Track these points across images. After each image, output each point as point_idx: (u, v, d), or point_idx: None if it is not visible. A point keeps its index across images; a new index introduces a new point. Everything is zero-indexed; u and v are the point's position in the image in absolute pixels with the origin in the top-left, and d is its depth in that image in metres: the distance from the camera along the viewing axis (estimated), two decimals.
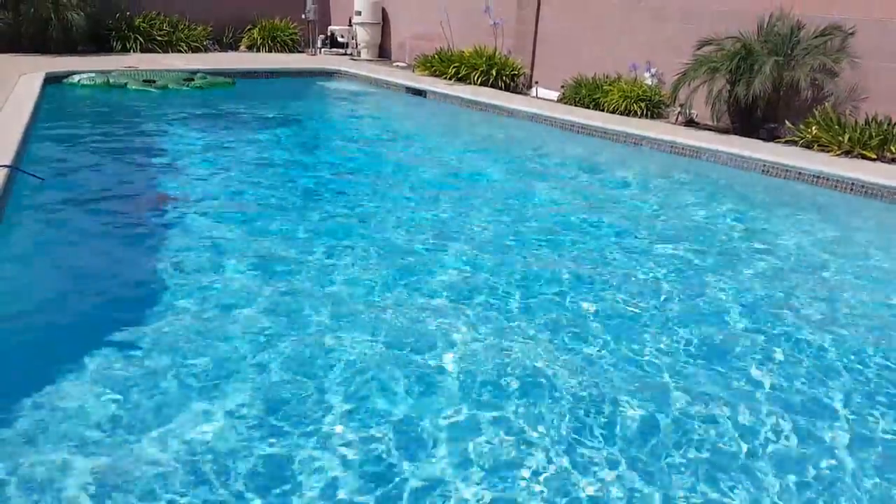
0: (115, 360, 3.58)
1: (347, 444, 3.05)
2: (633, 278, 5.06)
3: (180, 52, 14.15)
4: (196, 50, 14.45)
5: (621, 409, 3.44)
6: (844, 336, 4.38)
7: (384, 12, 15.71)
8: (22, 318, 4.04)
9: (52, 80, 10.21)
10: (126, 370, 3.50)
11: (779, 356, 4.08)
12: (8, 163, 5.73)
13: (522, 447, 3.11)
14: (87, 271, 4.77)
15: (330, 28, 16.13)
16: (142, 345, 3.74)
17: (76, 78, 10.53)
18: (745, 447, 3.22)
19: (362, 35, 15.55)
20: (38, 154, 6.91)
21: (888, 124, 8.39)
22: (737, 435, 3.30)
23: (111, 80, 10.62)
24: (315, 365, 3.68)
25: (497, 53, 12.88)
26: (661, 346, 4.10)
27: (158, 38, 14.08)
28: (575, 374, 3.71)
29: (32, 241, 5.13)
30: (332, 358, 3.74)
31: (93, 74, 10.61)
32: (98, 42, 13.60)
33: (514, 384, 3.59)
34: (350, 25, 15.75)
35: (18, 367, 3.57)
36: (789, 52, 8.87)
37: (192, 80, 11.18)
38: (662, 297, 4.78)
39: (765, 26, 9.23)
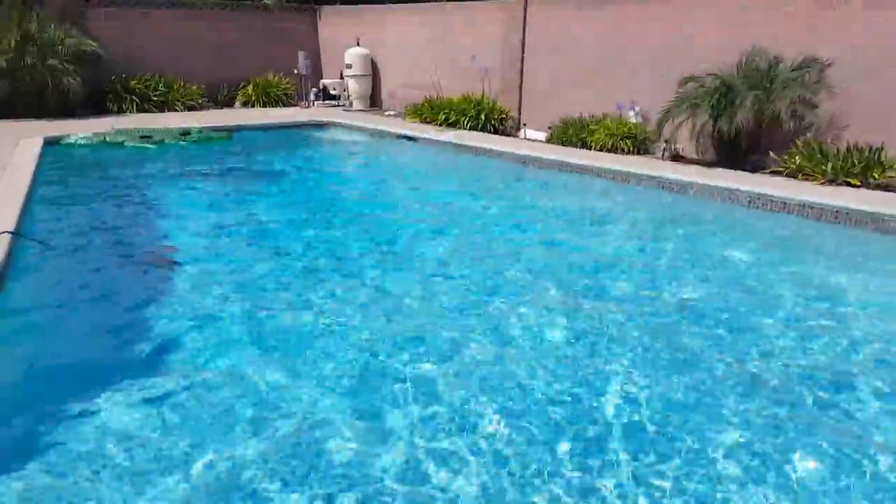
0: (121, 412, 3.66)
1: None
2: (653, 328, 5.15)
3: (176, 111, 14.47)
4: (192, 108, 14.78)
5: None
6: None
7: (374, 64, 16.10)
8: (20, 382, 4.13)
9: (50, 144, 10.43)
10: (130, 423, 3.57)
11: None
12: (10, 228, 5.86)
13: None
14: (90, 334, 4.85)
15: (322, 81, 16.51)
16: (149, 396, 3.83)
17: (73, 138, 10.76)
18: None
19: (354, 87, 15.91)
20: (39, 217, 7.06)
21: (869, 151, 8.57)
22: None
23: (108, 138, 10.86)
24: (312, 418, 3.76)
25: (485, 99, 13.18)
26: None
27: (154, 99, 14.40)
28: None
29: (34, 307, 5.20)
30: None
31: (90, 134, 10.86)
32: (94, 105, 13.91)
33: None
34: (341, 78, 16.13)
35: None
36: (768, 85, 9.11)
37: (189, 133, 11.42)
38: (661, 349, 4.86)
39: (743, 62, 9.50)
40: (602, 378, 4.19)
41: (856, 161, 8.48)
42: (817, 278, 6.01)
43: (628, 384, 4.11)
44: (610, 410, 3.84)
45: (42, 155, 9.25)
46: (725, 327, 4.94)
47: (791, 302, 5.43)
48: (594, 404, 3.91)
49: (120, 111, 13.99)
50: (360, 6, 17.17)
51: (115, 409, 3.77)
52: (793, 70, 9.12)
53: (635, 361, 4.40)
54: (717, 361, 4.44)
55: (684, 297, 5.51)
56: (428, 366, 4.30)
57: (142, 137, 10.99)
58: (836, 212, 7.45)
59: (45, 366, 4.36)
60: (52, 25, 13.26)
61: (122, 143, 10.83)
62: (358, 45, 15.95)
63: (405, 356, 4.42)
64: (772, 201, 7.91)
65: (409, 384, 4.07)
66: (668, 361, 4.42)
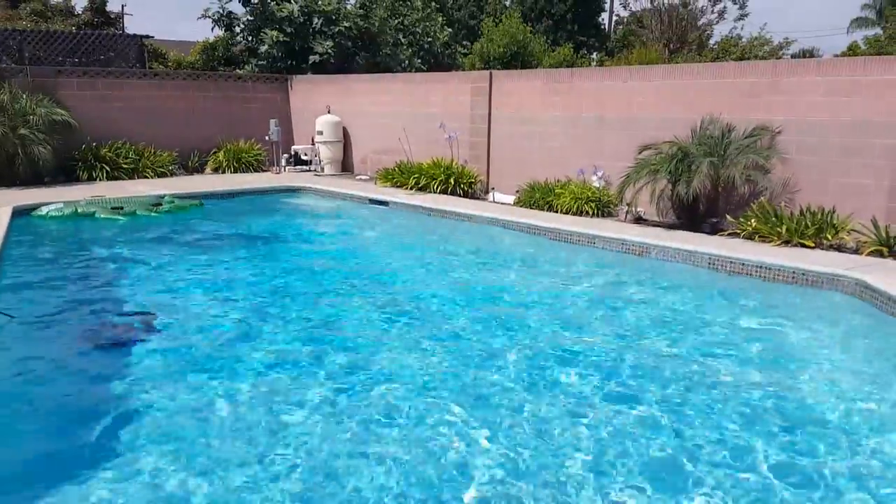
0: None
1: None
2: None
3: (147, 177, 14.56)
4: (162, 175, 14.88)
5: None
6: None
7: (345, 130, 16.44)
8: None
9: (19, 213, 10.42)
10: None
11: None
12: None
13: None
14: (56, 407, 4.83)
15: (293, 147, 16.78)
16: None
17: (44, 210, 10.74)
18: None
19: (325, 152, 16.19)
20: (6, 289, 7.04)
21: (822, 214, 8.96)
22: None
23: (79, 209, 10.86)
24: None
25: (454, 164, 13.51)
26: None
27: (125, 166, 14.49)
28: None
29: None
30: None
31: (61, 205, 10.84)
32: (65, 172, 13.94)
33: None
34: (313, 144, 16.41)
35: None
36: (722, 152, 9.53)
37: (160, 204, 11.47)
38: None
39: (698, 130, 9.95)
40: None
41: (809, 223, 8.85)
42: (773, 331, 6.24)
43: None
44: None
45: (10, 227, 9.20)
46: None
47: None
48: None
49: (90, 179, 14.03)
50: (331, 76, 17.64)
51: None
52: (745, 137, 9.57)
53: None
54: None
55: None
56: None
57: (113, 209, 11.01)
58: (793, 272, 7.75)
59: None
60: (25, 95, 13.41)
61: (93, 214, 10.83)
62: (329, 112, 16.31)
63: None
64: (731, 262, 8.19)
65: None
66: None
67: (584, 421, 4.55)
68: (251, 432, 4.33)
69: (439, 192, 13.06)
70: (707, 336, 6.25)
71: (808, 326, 6.59)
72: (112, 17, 31.46)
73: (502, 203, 12.41)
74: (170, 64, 21.39)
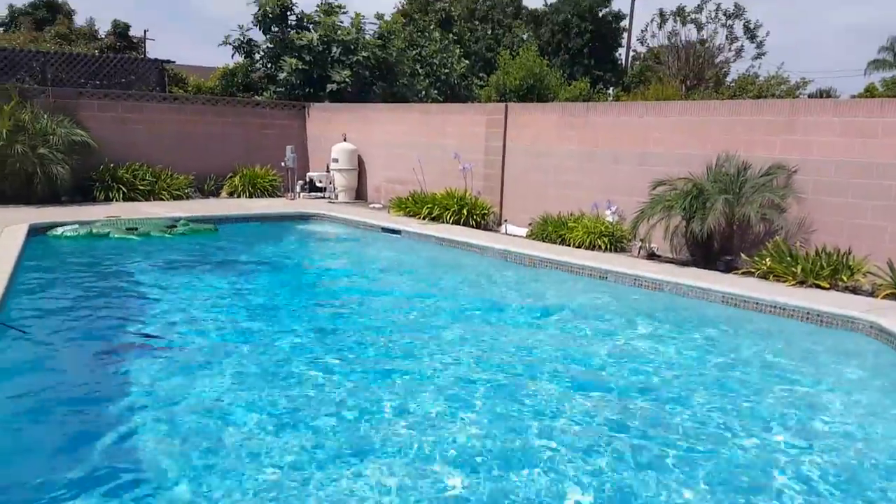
0: None
1: None
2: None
3: (162, 199, 14.67)
4: (178, 198, 14.99)
5: None
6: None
7: (360, 159, 16.54)
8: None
9: (35, 232, 10.50)
10: None
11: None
12: None
13: None
14: (70, 427, 4.82)
15: (308, 174, 16.89)
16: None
17: (59, 230, 10.82)
18: None
19: (339, 180, 16.28)
20: (21, 306, 7.07)
21: (837, 255, 8.87)
22: None
23: (94, 230, 10.94)
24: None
25: (467, 194, 13.53)
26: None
27: (141, 188, 14.60)
28: None
29: (12, 396, 5.17)
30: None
31: (76, 226, 10.92)
32: (82, 192, 14.07)
33: None
34: (328, 171, 16.51)
35: None
36: (738, 189, 9.49)
37: (175, 226, 11.53)
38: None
39: (713, 167, 9.92)
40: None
41: (824, 264, 8.76)
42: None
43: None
44: None
45: (26, 248, 9.24)
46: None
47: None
48: None
49: (107, 199, 14.15)
50: (348, 104, 17.81)
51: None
52: (761, 175, 9.54)
53: None
54: None
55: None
56: None
57: (128, 229, 11.09)
58: (807, 313, 7.65)
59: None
60: (46, 115, 13.60)
61: (107, 235, 10.90)
62: (345, 140, 16.43)
63: None
64: (745, 301, 8.12)
65: None
66: None
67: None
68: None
69: (452, 223, 13.06)
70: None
71: (828, 370, 6.49)
72: (134, 41, 32.04)
73: (515, 235, 12.39)
74: (189, 89, 21.70)
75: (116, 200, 14.16)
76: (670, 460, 4.49)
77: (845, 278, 8.61)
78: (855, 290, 8.55)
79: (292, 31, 19.23)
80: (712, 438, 4.85)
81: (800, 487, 4.23)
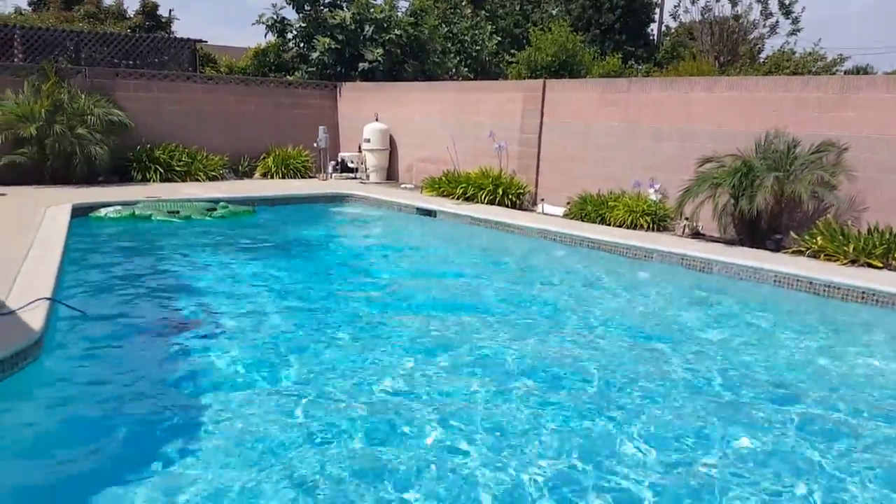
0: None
1: None
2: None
3: (198, 181, 14.70)
4: (213, 178, 15.01)
5: None
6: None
7: (392, 138, 16.44)
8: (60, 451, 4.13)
9: (78, 212, 10.56)
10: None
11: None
12: (48, 296, 5.91)
13: None
14: (126, 402, 4.85)
15: (340, 154, 16.83)
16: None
17: (103, 212, 10.88)
18: None
19: (371, 160, 16.21)
20: (71, 286, 7.12)
21: (890, 234, 8.65)
22: None
23: (136, 212, 11.00)
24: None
25: (502, 174, 13.39)
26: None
27: (177, 169, 14.64)
28: None
29: (72, 374, 5.20)
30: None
31: (119, 207, 11.00)
32: (119, 173, 14.14)
33: None
34: (359, 151, 16.44)
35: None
36: (788, 167, 9.27)
37: (215, 209, 11.57)
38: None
39: (762, 143, 9.69)
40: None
41: (877, 243, 8.55)
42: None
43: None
44: None
45: (71, 229, 9.28)
46: None
47: None
48: None
49: (144, 180, 14.20)
50: (380, 83, 17.69)
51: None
52: (811, 153, 9.31)
53: None
54: None
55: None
56: None
57: (169, 212, 11.15)
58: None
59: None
60: (83, 95, 13.66)
61: (149, 217, 10.96)
62: (377, 120, 16.33)
63: None
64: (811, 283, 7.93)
65: None
66: None
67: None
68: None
69: (486, 203, 12.94)
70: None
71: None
72: (163, 20, 32.04)
73: (552, 215, 12.25)
74: (221, 69, 21.68)
75: (154, 181, 14.20)
76: None
77: None
78: None
79: (325, 10, 19.08)
80: None
81: None
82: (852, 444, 4.45)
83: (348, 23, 18.55)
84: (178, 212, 11.19)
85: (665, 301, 7.74)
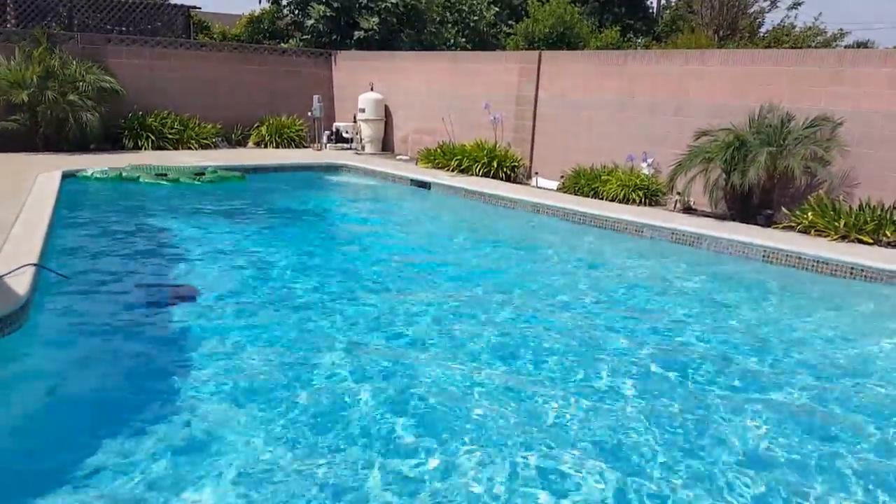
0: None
1: None
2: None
3: (191, 149, 14.62)
4: (206, 147, 14.94)
5: None
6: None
7: (387, 109, 16.33)
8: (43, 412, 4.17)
9: (68, 177, 10.53)
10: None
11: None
12: (33, 261, 5.91)
13: None
14: (109, 367, 4.87)
15: (335, 124, 16.71)
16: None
17: (89, 171, 10.88)
18: None
19: (366, 130, 16.10)
20: (59, 251, 7.12)
21: (881, 209, 8.66)
22: None
23: (124, 174, 10.97)
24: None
25: (497, 146, 13.33)
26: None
27: (169, 136, 14.56)
28: None
29: (57, 339, 5.22)
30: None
31: (106, 168, 10.98)
32: (111, 140, 14.08)
33: None
34: (354, 121, 16.33)
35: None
36: (781, 142, 9.24)
37: (204, 174, 11.54)
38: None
39: (756, 118, 9.65)
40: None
41: (868, 219, 8.56)
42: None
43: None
44: None
45: (61, 192, 9.27)
46: None
47: None
48: None
49: (136, 147, 14.12)
50: (375, 52, 17.52)
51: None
52: (805, 127, 9.27)
53: None
54: None
55: None
56: None
57: (157, 175, 11.11)
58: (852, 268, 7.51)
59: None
60: (75, 62, 13.52)
61: (137, 179, 10.94)
62: (372, 90, 16.20)
63: None
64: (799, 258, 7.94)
65: None
66: None
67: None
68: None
69: (481, 175, 12.89)
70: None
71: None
72: None
73: (545, 188, 12.22)
74: (215, 36, 21.43)
75: (146, 149, 14.13)
76: None
77: (889, 233, 8.41)
78: None
79: None
80: None
81: None
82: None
83: None
84: (166, 175, 11.16)
85: (649, 275, 7.76)
